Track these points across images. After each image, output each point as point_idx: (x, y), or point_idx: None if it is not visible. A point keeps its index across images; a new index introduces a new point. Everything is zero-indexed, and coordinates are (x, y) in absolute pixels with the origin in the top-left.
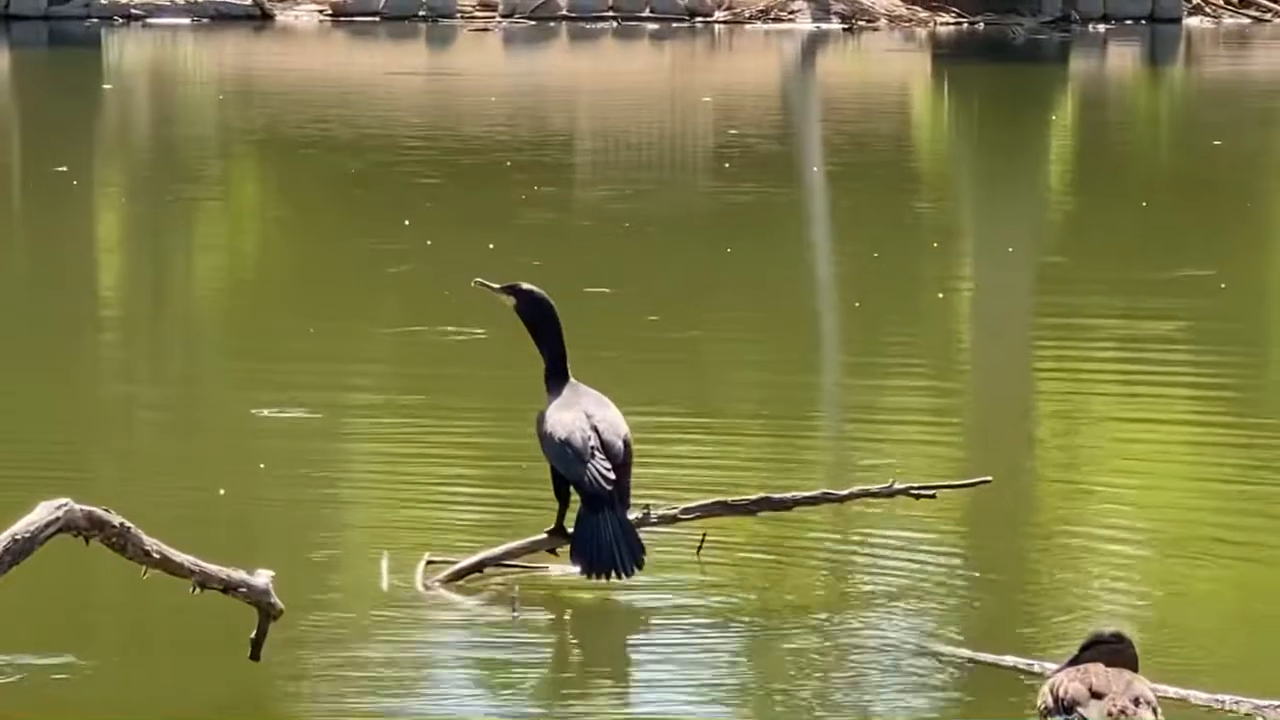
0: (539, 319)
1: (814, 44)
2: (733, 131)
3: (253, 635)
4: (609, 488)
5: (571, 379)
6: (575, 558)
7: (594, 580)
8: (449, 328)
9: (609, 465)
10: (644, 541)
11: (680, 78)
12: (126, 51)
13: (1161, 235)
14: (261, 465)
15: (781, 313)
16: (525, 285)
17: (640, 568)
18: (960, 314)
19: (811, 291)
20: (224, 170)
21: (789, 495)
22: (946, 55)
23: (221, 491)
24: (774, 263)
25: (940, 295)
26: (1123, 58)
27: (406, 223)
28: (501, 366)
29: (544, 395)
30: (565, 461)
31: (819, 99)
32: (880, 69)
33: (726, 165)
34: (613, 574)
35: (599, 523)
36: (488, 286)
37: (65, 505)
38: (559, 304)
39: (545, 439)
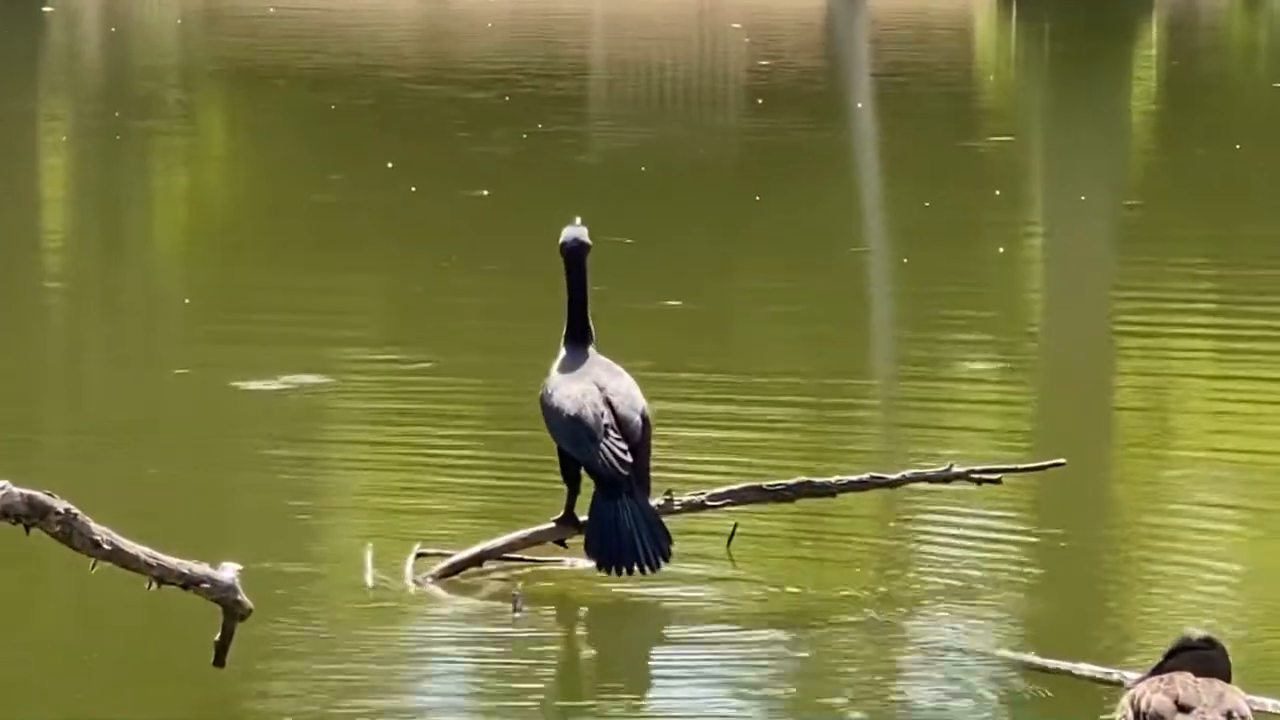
0: (569, 265)
1: None
2: (764, 63)
3: (217, 638)
4: (625, 471)
5: (591, 344)
6: (590, 550)
7: (611, 576)
8: (439, 285)
9: (625, 444)
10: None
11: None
12: None
13: (1257, 182)
14: (228, 444)
15: (820, 270)
16: (571, 227)
17: (667, 560)
18: (1028, 272)
19: (855, 246)
20: (182, 106)
21: (832, 479)
22: None
23: (181, 473)
24: (811, 213)
25: (1003, 250)
26: None
27: (389, 165)
28: (502, 328)
29: (554, 358)
30: (575, 440)
31: (868, 28)
32: None
33: (759, 101)
34: (635, 568)
35: (616, 510)
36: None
37: (3, 488)
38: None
39: (551, 414)
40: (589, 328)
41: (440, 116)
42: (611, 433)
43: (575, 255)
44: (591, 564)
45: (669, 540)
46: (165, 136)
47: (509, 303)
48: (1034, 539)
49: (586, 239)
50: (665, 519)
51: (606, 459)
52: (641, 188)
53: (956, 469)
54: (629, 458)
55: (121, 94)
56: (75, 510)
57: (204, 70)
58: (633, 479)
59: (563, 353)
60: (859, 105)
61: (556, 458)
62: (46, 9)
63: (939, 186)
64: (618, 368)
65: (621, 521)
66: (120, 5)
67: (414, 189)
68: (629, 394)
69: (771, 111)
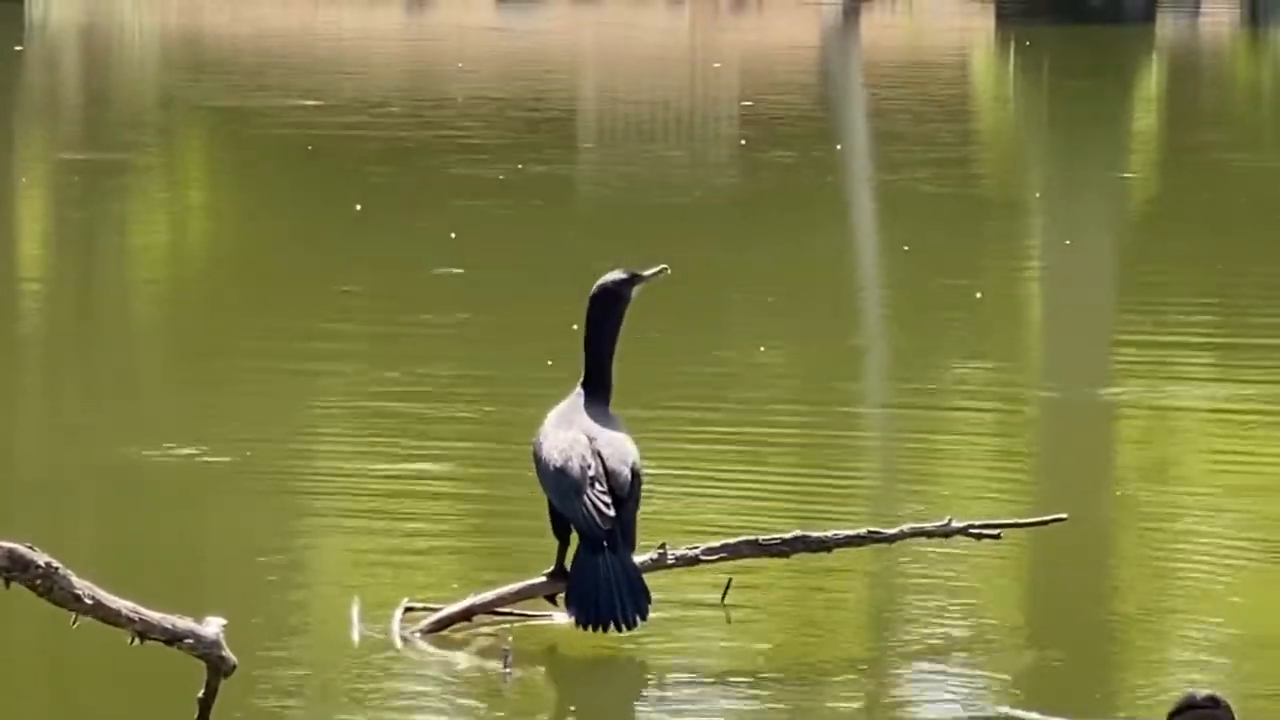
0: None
1: (858, 1)
2: (746, 104)
3: (200, 694)
4: (605, 526)
5: (609, 398)
6: (569, 606)
7: (592, 632)
8: (424, 330)
9: (608, 498)
10: (660, 586)
11: (701, 40)
12: (53, 6)
13: (1261, 227)
14: (210, 496)
15: (812, 314)
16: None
17: (644, 618)
18: (1027, 314)
19: (848, 288)
20: (158, 148)
21: (828, 534)
22: (1013, 14)
23: (162, 525)
24: (801, 254)
25: (1002, 293)
26: (1218, 18)
27: (368, 202)
28: (492, 376)
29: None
30: (560, 493)
31: (861, 64)
32: (935, 30)
33: (745, 140)
34: (611, 626)
35: (596, 565)
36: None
37: None
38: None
39: (538, 464)
40: (607, 382)
41: (409, 158)
42: (598, 485)
43: (608, 299)
44: (570, 620)
45: (648, 599)
46: (138, 185)
47: (497, 348)
48: (1035, 596)
49: (622, 289)
50: (659, 573)
51: (588, 512)
52: (629, 227)
53: (956, 524)
54: (611, 512)
55: (90, 133)
56: (56, 564)
57: (180, 110)
58: (616, 533)
59: (571, 396)
60: (851, 145)
61: (547, 510)
62: (17, 48)
63: (934, 227)
64: (616, 418)
65: (600, 577)
66: (99, 43)
67: (395, 226)
68: (620, 446)
69: (758, 153)
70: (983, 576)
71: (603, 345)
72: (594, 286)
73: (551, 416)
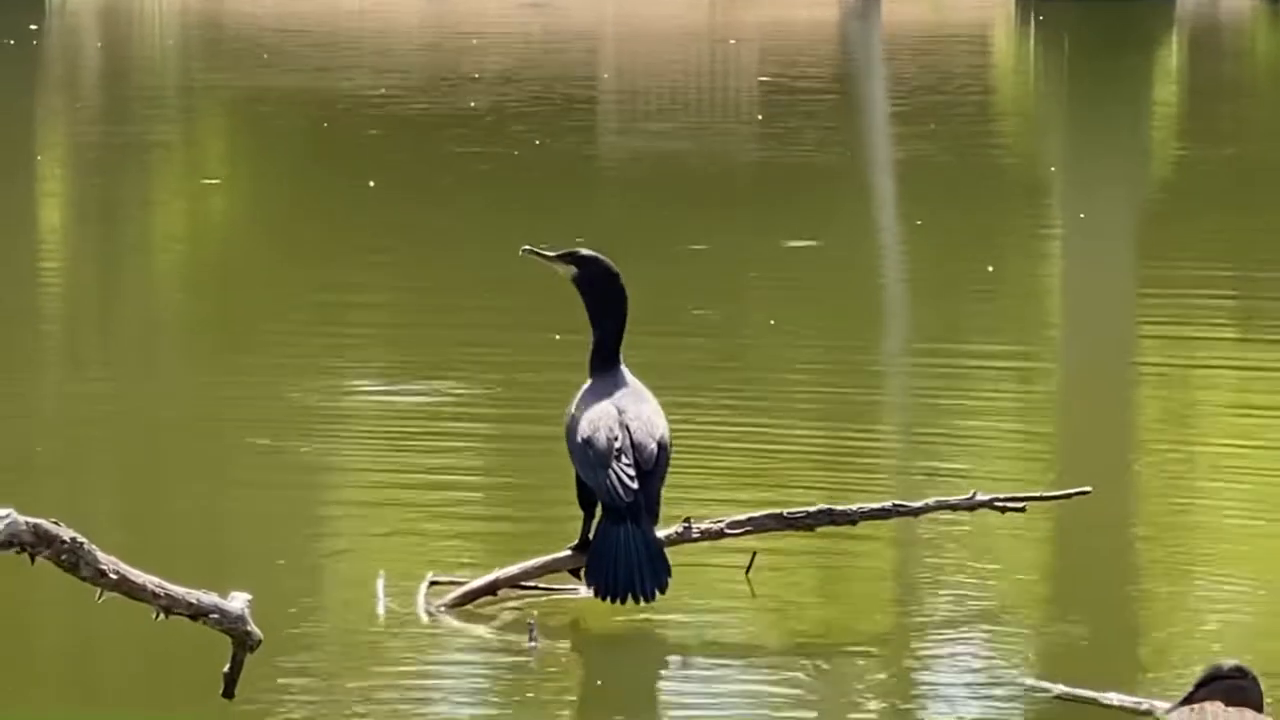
0: (602, 292)
1: None
2: (763, 80)
3: (226, 669)
4: (628, 497)
5: (621, 365)
6: (589, 577)
7: (613, 604)
8: (446, 305)
9: (633, 470)
10: (685, 560)
11: (721, 17)
12: None
13: None
14: (234, 471)
15: (832, 288)
16: (586, 251)
17: (663, 591)
18: (1049, 289)
19: (870, 263)
20: (177, 125)
21: (854, 508)
22: None
23: (187, 500)
24: (820, 229)
25: (1023, 267)
26: None
27: (392, 177)
28: (517, 349)
29: (577, 384)
30: (586, 465)
31: (881, 40)
32: (956, 6)
33: (762, 116)
34: (629, 597)
35: (618, 537)
36: (539, 254)
37: (7, 516)
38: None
39: (568, 436)
40: (617, 353)
41: (426, 135)
42: (623, 458)
43: (607, 283)
44: (590, 592)
45: (668, 571)
46: (157, 162)
47: (523, 322)
48: (1060, 568)
49: (607, 263)
50: (683, 546)
51: (612, 484)
52: (649, 201)
53: (980, 497)
54: (634, 484)
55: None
56: (81, 539)
57: (196, 91)
58: (639, 505)
59: (591, 378)
60: (868, 117)
61: (574, 483)
62: (33, 27)
63: (954, 200)
64: (646, 392)
65: (620, 549)
66: (113, 20)
67: (418, 203)
68: (649, 420)
69: (779, 124)
70: (1007, 549)
71: (620, 317)
72: (596, 267)
73: (580, 394)
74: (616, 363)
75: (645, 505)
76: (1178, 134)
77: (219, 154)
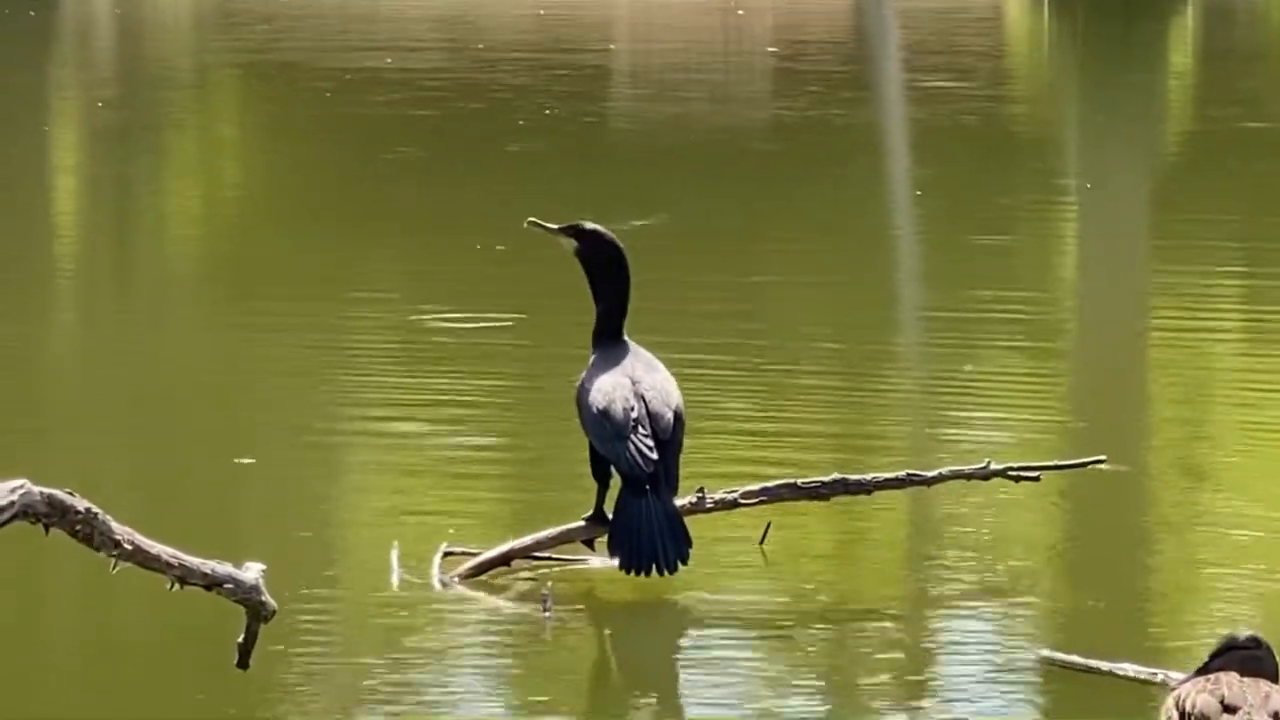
0: (604, 265)
1: None
2: (771, 50)
3: (241, 639)
4: (648, 468)
5: (625, 338)
6: (613, 549)
7: (634, 576)
8: (460, 275)
9: (651, 441)
10: (698, 531)
11: None
12: None
13: None
14: (248, 441)
15: (845, 257)
16: (589, 225)
17: (685, 562)
18: (1064, 258)
19: (881, 231)
20: (190, 99)
21: (868, 477)
22: None
23: (201, 470)
24: (839, 197)
25: (1041, 236)
26: None
27: (408, 150)
28: (530, 320)
29: (587, 357)
30: (602, 436)
31: (896, 13)
32: None
33: (778, 87)
34: (653, 569)
35: (640, 508)
36: (543, 227)
37: (22, 487)
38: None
39: (582, 408)
40: (620, 327)
41: (443, 106)
42: (640, 429)
43: (610, 256)
44: (614, 563)
45: (689, 543)
46: (172, 134)
47: (536, 292)
48: (1074, 537)
49: (610, 237)
50: (698, 516)
51: (631, 455)
52: (663, 173)
53: (995, 466)
54: (654, 455)
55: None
56: (96, 509)
57: (214, 65)
58: (659, 477)
59: (595, 352)
60: (882, 88)
61: (587, 454)
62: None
63: (970, 172)
64: (656, 361)
65: (642, 521)
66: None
67: (434, 178)
68: (663, 389)
69: (794, 96)
70: (1022, 519)
71: (624, 291)
72: (597, 239)
73: (591, 365)
74: (621, 335)
75: (664, 475)
76: (1191, 112)
77: (233, 124)
